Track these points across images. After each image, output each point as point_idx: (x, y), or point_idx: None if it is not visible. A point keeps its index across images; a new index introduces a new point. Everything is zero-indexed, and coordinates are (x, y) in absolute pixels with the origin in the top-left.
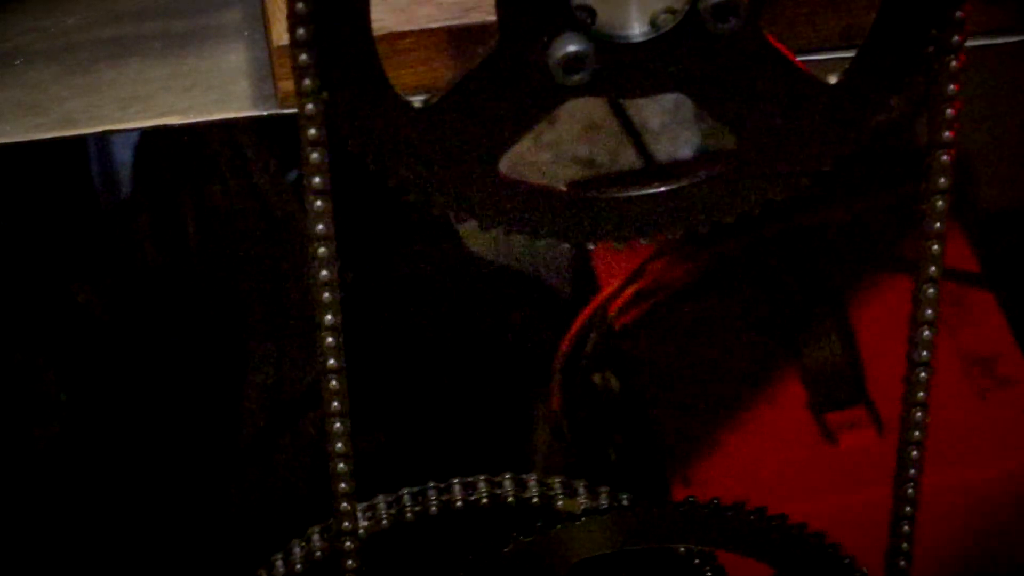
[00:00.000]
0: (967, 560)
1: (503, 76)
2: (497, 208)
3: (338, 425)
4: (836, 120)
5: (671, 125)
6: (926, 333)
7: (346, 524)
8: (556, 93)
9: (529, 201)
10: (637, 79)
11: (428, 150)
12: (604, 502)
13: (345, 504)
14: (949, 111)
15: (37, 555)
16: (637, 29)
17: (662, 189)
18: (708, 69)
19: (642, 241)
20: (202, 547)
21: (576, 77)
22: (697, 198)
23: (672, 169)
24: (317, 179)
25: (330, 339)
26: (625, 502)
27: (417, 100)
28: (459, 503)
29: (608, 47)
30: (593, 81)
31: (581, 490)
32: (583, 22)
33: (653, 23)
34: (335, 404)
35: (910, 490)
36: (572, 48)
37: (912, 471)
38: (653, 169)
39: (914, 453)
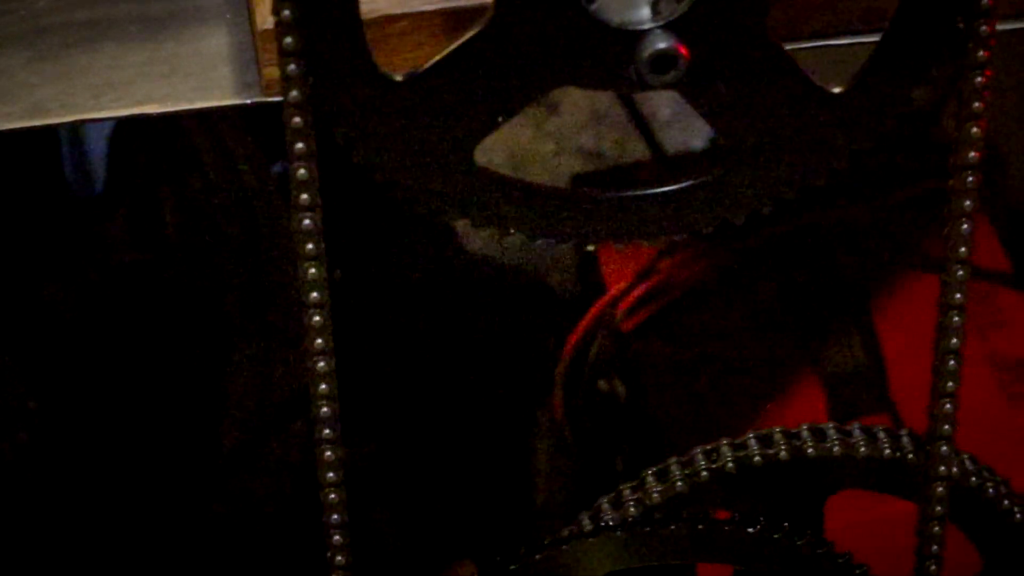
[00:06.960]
0: None
1: (492, 53)
2: (472, 201)
3: (326, 410)
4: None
5: (682, 115)
6: (952, 363)
7: (335, 517)
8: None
9: (507, 196)
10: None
11: (405, 129)
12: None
13: (333, 496)
14: (974, 130)
15: (8, 569)
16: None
17: (663, 189)
18: (706, 67)
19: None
20: (181, 558)
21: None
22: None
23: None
24: (300, 145)
25: (317, 318)
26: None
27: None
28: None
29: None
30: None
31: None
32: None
33: (655, 8)
34: (323, 387)
35: (936, 529)
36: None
37: (938, 508)
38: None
39: (939, 489)
